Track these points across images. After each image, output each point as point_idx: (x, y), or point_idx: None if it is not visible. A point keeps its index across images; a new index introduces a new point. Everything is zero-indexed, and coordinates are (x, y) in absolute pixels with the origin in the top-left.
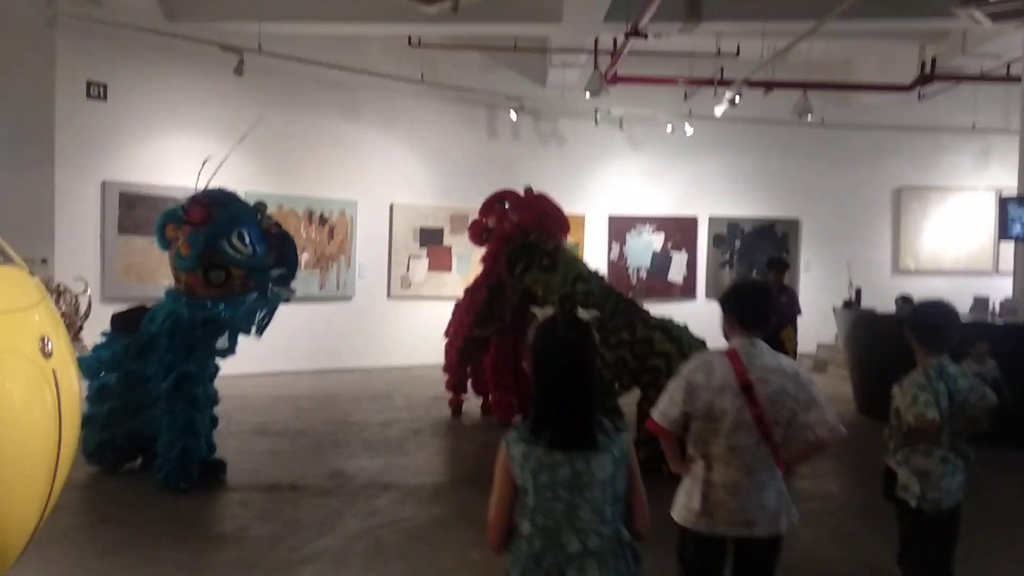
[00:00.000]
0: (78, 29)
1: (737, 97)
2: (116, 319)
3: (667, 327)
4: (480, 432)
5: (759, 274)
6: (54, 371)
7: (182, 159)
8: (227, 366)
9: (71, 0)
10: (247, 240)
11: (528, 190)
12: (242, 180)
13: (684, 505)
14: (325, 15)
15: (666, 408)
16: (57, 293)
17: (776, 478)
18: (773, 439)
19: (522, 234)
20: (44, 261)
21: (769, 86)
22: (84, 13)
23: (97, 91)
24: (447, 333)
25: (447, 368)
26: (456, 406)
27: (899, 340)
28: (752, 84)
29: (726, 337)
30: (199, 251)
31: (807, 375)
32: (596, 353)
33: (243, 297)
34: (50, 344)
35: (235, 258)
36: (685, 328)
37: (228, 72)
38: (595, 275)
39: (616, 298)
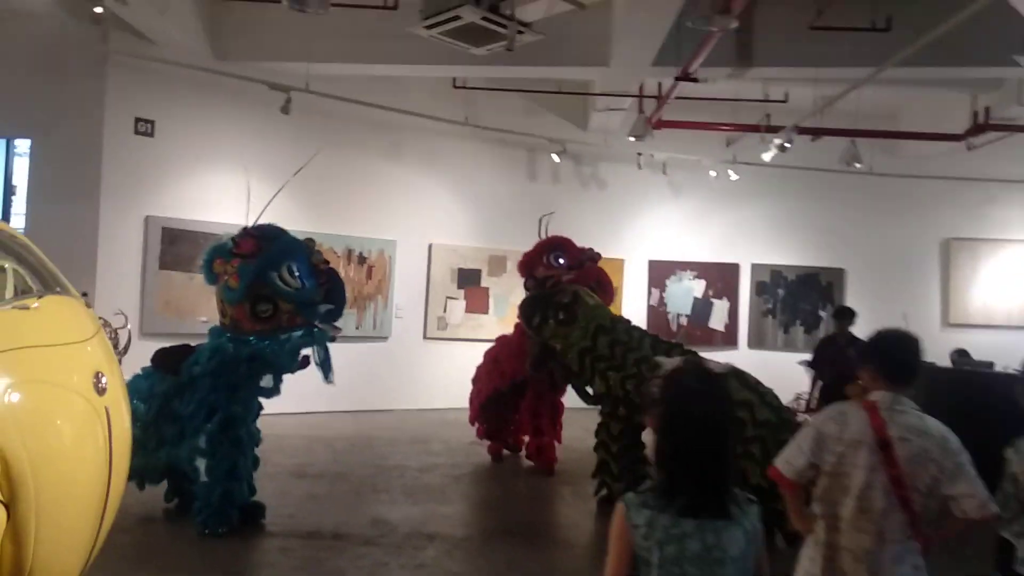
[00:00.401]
0: (129, 67)
1: (788, 143)
2: (158, 356)
3: (739, 373)
4: (522, 480)
5: (806, 324)
6: (107, 408)
7: (225, 196)
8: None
9: (124, 38)
10: (296, 274)
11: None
12: (282, 218)
13: (806, 570)
14: (373, 57)
15: (791, 456)
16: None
17: (913, 551)
18: (911, 507)
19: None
20: (85, 295)
21: (817, 133)
22: (137, 51)
23: (145, 127)
24: (475, 380)
25: (473, 418)
26: (496, 452)
27: (960, 395)
28: (800, 131)
29: (864, 391)
30: (249, 282)
31: (957, 442)
32: (732, 409)
33: (289, 334)
34: (104, 380)
35: (284, 291)
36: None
37: (273, 111)
38: (623, 323)
39: (665, 345)
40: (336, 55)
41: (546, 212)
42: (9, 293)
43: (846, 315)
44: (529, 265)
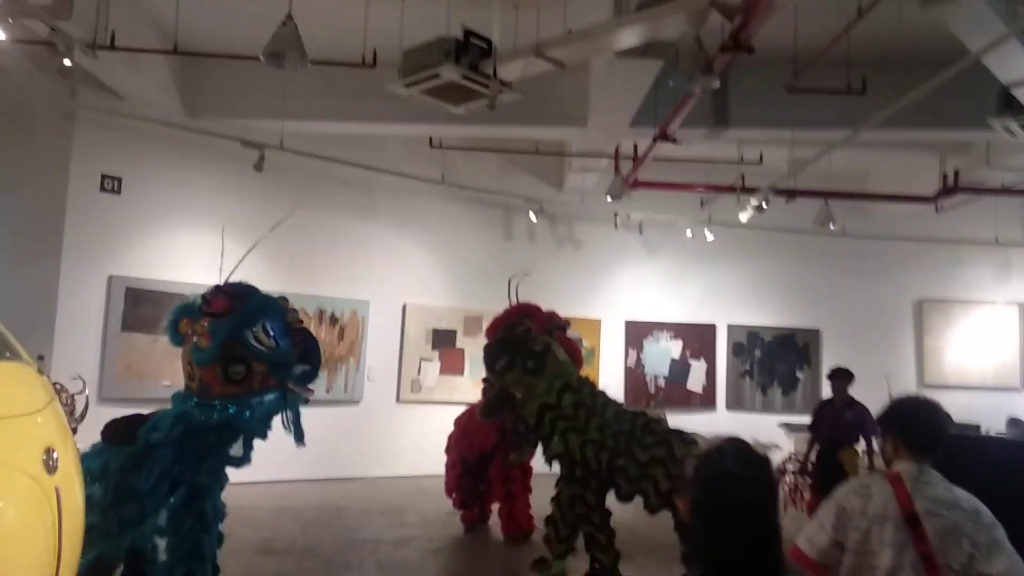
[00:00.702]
0: (97, 123)
1: (764, 204)
2: (109, 429)
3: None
4: (502, 552)
5: (783, 385)
6: (57, 489)
7: (193, 255)
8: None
9: (92, 94)
10: (271, 334)
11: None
12: (253, 277)
13: None
14: (348, 115)
15: (813, 534)
16: (55, 392)
17: None
18: None
19: (507, 326)
20: (41, 358)
21: (791, 194)
22: (105, 106)
23: (111, 184)
24: (447, 449)
25: (449, 488)
26: (468, 521)
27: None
28: (776, 192)
29: (887, 462)
30: (221, 341)
31: (990, 515)
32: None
33: (260, 397)
34: (55, 456)
35: (259, 351)
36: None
37: (245, 168)
38: (589, 386)
39: (630, 413)
40: (311, 113)
41: (521, 272)
42: None
43: (842, 376)
44: (497, 331)
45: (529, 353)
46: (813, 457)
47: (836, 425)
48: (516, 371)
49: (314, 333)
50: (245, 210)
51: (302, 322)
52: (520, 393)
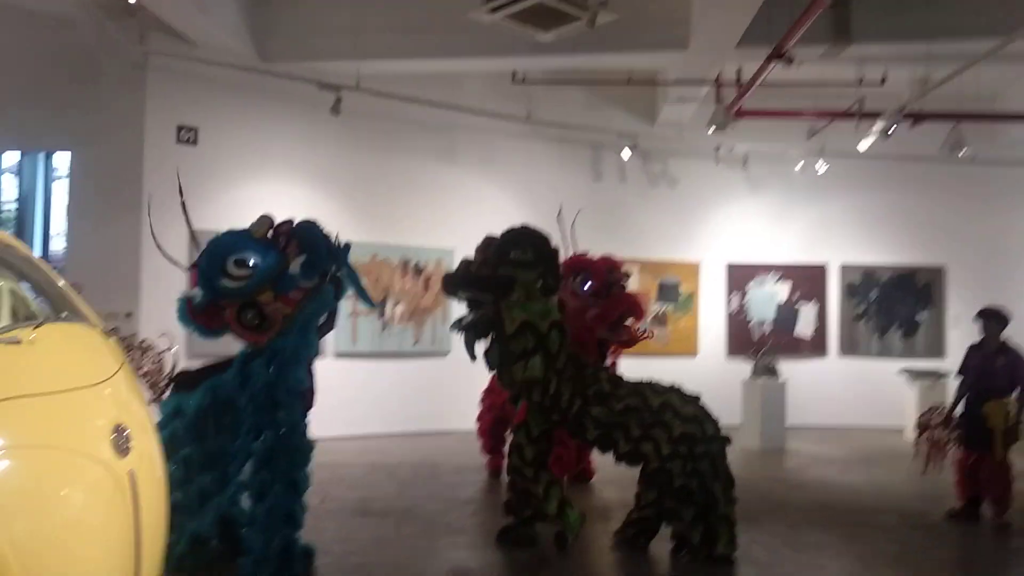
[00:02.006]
0: (169, 71)
1: (890, 129)
2: (182, 380)
3: (678, 390)
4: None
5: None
6: (131, 473)
7: (273, 204)
8: (317, 430)
9: (162, 40)
10: (250, 262)
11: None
12: (333, 228)
13: None
14: (427, 51)
15: None
16: (141, 351)
17: None
18: None
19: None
20: (129, 315)
21: (917, 118)
22: (177, 52)
23: (188, 136)
24: (487, 391)
25: (482, 431)
26: (493, 469)
27: None
28: (902, 117)
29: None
30: (204, 307)
31: None
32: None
33: (299, 315)
34: (127, 435)
35: (239, 287)
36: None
37: (322, 113)
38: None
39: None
40: (388, 51)
41: (612, 213)
42: (4, 320)
43: (992, 317)
44: None
45: (554, 272)
46: (961, 408)
47: (985, 373)
48: (531, 272)
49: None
50: (322, 157)
51: (284, 224)
52: (516, 295)
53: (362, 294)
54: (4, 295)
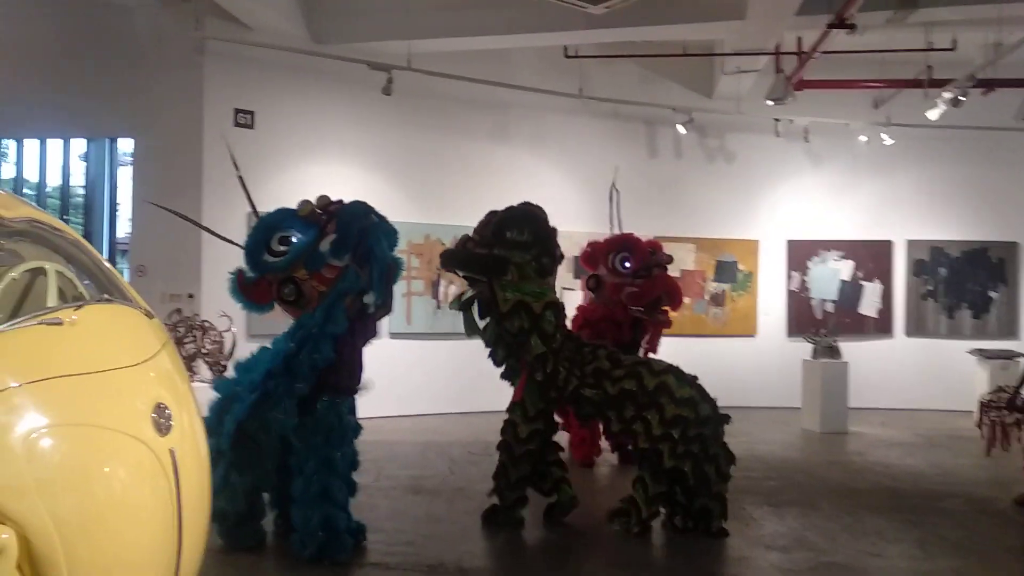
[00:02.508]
0: (226, 55)
1: (962, 97)
2: None
3: (677, 370)
4: None
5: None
6: (172, 451)
7: (328, 185)
8: (371, 409)
9: (218, 25)
10: (293, 238)
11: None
12: (386, 209)
13: None
14: (477, 29)
15: None
16: (202, 330)
17: None
18: None
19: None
20: (191, 296)
21: (990, 85)
22: (233, 36)
23: (245, 119)
24: None
25: None
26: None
27: None
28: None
29: None
30: (253, 283)
31: None
32: None
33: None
34: (168, 413)
35: (275, 262)
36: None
37: (375, 93)
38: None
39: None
40: (438, 29)
41: (667, 190)
42: (52, 301)
43: None
44: (592, 261)
45: (550, 253)
46: None
47: None
48: (526, 253)
49: None
50: (375, 137)
51: (327, 203)
52: (510, 276)
53: (377, 285)
54: (52, 277)
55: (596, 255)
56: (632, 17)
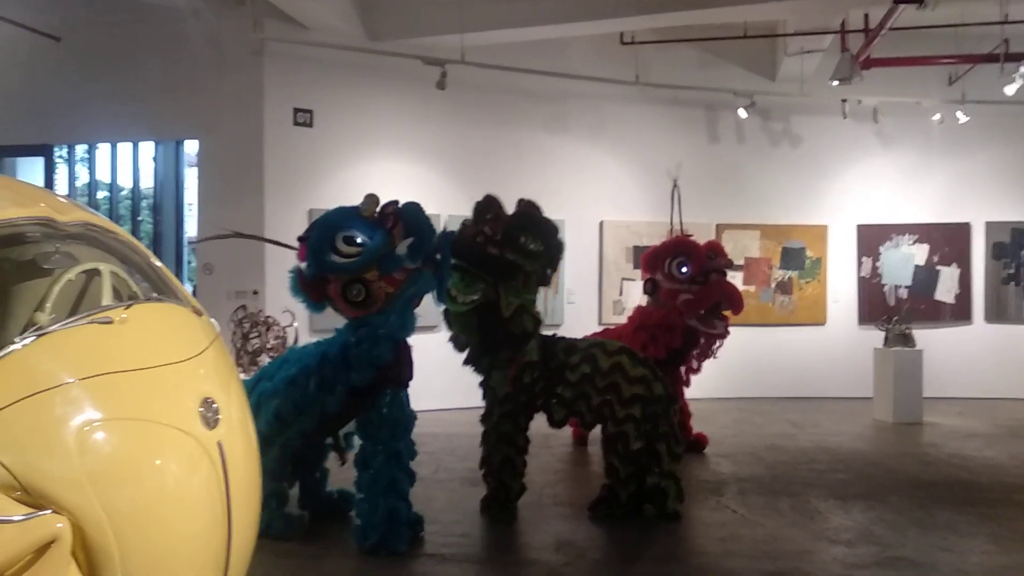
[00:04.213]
0: (283, 55)
1: None
2: None
3: (630, 350)
4: (719, 488)
5: None
6: (220, 444)
7: (385, 182)
8: (432, 401)
9: (275, 26)
10: (358, 239)
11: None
12: (442, 203)
13: None
14: (530, 19)
15: None
16: (267, 326)
17: None
18: None
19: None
20: (255, 293)
21: None
22: (290, 36)
23: (304, 118)
24: None
25: None
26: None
27: None
28: None
29: None
30: (311, 280)
31: None
32: None
33: (400, 295)
34: (216, 407)
35: (348, 263)
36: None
37: (429, 89)
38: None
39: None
40: (493, 21)
41: (730, 178)
42: (106, 300)
43: None
44: (651, 265)
45: (554, 265)
46: None
47: None
48: (536, 263)
49: None
50: (432, 133)
51: (390, 206)
52: (516, 281)
53: (441, 288)
54: (107, 278)
55: (654, 258)
56: (688, 1)
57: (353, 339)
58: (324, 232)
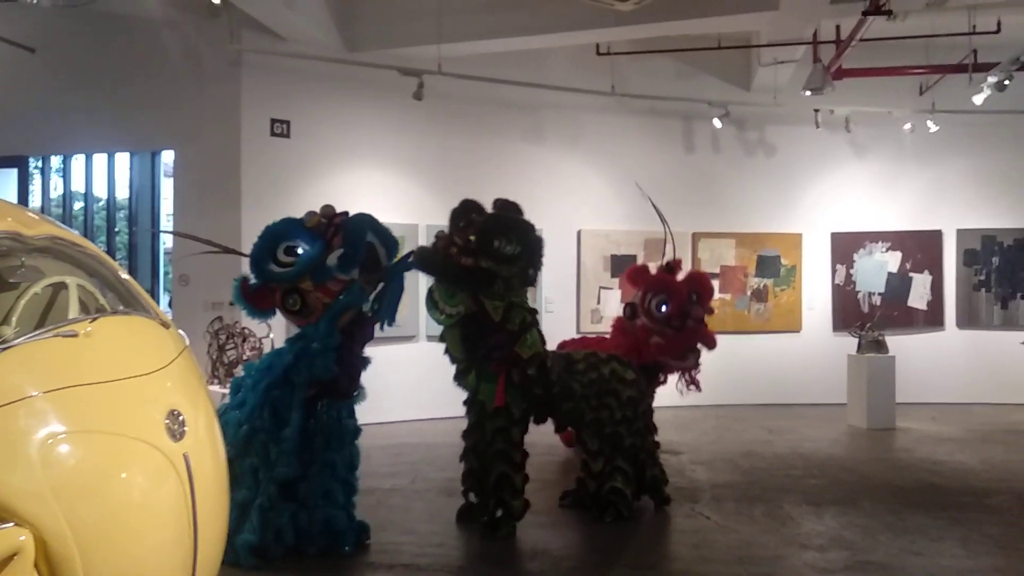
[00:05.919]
0: (261, 66)
1: (1008, 80)
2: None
3: (614, 356)
4: (695, 494)
5: None
6: (185, 456)
7: (362, 193)
8: (410, 411)
9: (253, 36)
10: (298, 250)
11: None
12: (420, 213)
13: None
14: (507, 30)
15: None
16: (242, 337)
17: None
18: None
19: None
20: (232, 304)
21: None
22: (267, 47)
23: (281, 128)
24: None
25: None
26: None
27: None
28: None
29: None
30: (255, 292)
31: None
32: None
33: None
34: (182, 419)
35: (282, 273)
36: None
37: (407, 99)
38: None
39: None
40: (468, 33)
41: (706, 188)
42: (73, 313)
43: None
44: (634, 285)
45: (537, 264)
46: None
47: None
48: (513, 267)
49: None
50: (410, 143)
51: (332, 215)
52: (496, 287)
53: (388, 308)
54: (73, 291)
55: (636, 288)
56: (664, 12)
57: (291, 358)
58: (266, 242)
